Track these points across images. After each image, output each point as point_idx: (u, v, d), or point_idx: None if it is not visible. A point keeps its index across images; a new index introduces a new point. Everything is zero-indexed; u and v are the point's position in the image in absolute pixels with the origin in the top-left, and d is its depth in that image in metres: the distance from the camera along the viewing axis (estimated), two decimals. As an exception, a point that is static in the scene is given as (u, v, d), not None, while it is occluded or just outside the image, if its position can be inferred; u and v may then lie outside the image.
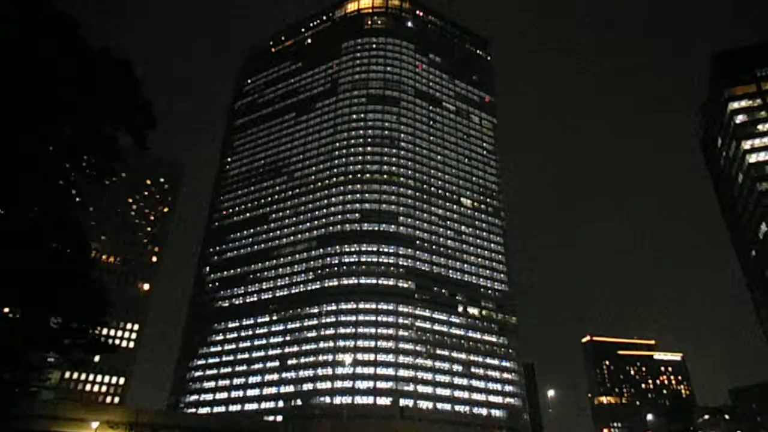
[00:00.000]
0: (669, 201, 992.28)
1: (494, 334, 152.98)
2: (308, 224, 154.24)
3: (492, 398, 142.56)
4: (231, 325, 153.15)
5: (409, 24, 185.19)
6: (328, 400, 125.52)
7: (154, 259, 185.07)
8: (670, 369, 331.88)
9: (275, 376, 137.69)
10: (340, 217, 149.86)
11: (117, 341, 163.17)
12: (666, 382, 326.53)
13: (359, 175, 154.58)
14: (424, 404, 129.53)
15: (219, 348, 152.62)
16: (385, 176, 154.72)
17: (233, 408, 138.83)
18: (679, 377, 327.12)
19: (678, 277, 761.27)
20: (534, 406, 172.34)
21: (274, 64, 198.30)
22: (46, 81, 19.20)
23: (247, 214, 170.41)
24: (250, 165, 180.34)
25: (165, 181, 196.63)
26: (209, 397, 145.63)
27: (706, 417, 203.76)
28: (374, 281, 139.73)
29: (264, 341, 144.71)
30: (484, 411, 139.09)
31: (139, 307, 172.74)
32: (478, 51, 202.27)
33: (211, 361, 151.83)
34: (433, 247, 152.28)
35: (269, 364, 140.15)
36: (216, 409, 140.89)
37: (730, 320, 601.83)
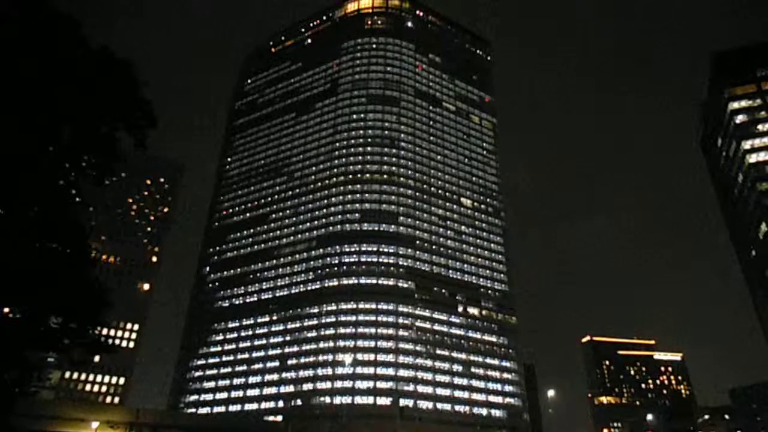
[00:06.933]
0: (669, 201, 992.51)
1: (494, 334, 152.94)
2: (308, 224, 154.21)
3: (492, 398, 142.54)
4: (231, 325, 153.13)
5: (409, 24, 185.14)
6: (328, 400, 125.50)
7: (154, 259, 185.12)
8: (670, 369, 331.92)
9: (275, 376, 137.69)
10: (340, 217, 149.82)
11: (117, 341, 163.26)
12: (666, 382, 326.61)
13: (359, 175, 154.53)
14: (424, 404, 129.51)
15: (219, 348, 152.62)
16: (385, 176, 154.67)
17: (233, 408, 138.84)
18: (679, 377, 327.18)
19: (678, 277, 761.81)
20: (534, 406, 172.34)
21: (274, 64, 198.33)
22: (46, 81, 19.19)
23: (247, 214, 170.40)
24: (250, 165, 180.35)
25: (165, 181, 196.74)
26: (209, 397, 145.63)
27: (706, 417, 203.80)
28: (374, 281, 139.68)
29: (264, 341, 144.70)
30: (484, 411, 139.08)
31: (139, 307, 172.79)
32: (478, 51, 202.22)
33: (211, 361, 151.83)
34: (433, 247, 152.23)
35: (269, 364, 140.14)
36: (216, 409, 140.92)
37: (730, 320, 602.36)
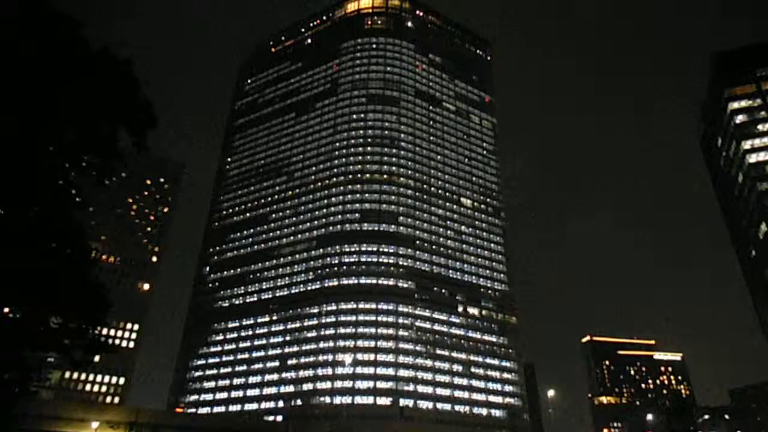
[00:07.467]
0: (669, 201, 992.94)
1: (494, 334, 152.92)
2: (308, 224, 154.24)
3: (492, 398, 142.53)
4: (231, 325, 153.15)
5: (409, 24, 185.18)
6: (328, 400, 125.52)
7: (154, 259, 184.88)
8: (670, 369, 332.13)
9: (275, 376, 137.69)
10: (340, 217, 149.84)
11: (117, 341, 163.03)
12: (666, 382, 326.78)
13: (359, 175, 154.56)
14: (424, 404, 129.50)
15: (219, 348, 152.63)
16: (385, 176, 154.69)
17: (233, 408, 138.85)
18: (679, 377, 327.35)
19: (678, 277, 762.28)
20: (534, 406, 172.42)
21: (274, 64, 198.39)
22: (46, 81, 19.17)
23: (247, 214, 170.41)
24: (250, 165, 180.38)
25: (165, 181, 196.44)
26: (209, 397, 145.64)
27: (706, 417, 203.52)
28: (374, 281, 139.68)
29: (264, 341, 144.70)
30: (484, 411, 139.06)
31: (139, 307, 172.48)
32: (478, 51, 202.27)
33: (211, 361, 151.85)
34: (433, 247, 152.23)
35: (269, 364, 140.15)
36: (216, 409, 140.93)
37: (730, 320, 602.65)
